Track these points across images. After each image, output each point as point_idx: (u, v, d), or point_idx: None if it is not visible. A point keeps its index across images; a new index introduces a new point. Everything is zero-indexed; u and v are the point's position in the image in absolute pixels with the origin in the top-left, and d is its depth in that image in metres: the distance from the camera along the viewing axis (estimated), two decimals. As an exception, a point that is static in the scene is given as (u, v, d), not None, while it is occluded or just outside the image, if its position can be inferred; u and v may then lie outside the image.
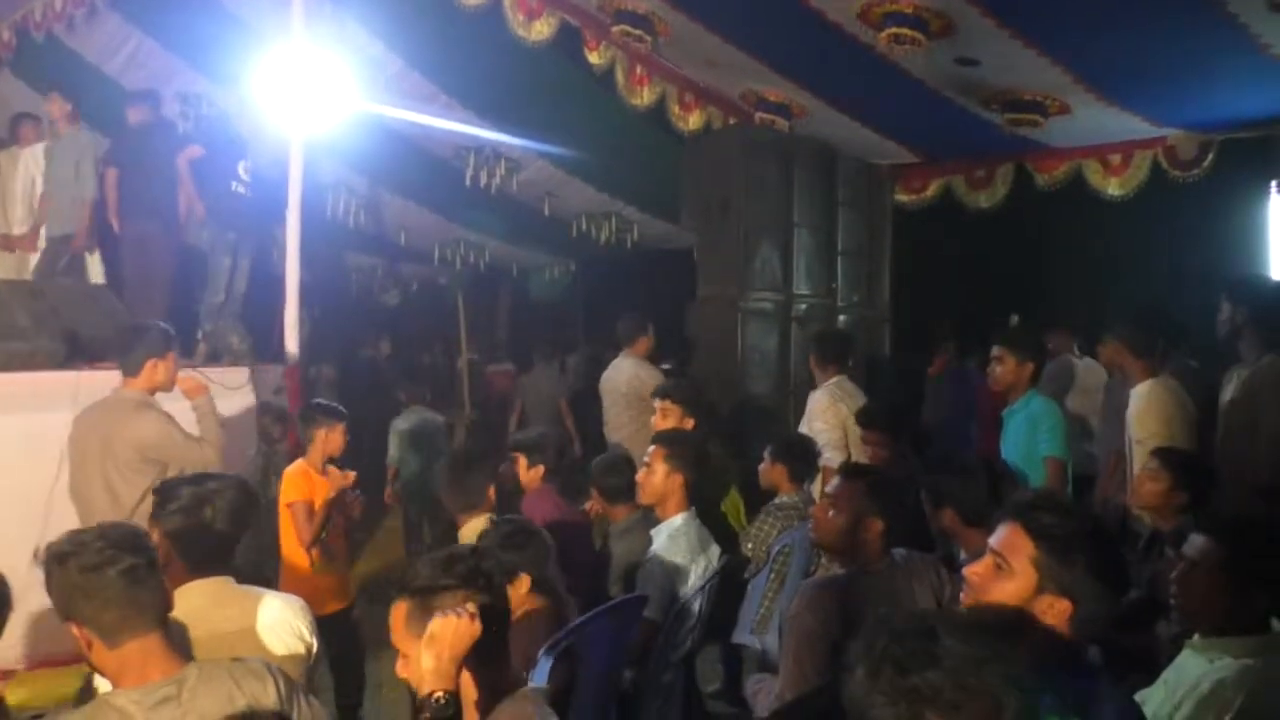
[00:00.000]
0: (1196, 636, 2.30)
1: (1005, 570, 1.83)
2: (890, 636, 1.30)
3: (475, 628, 1.80)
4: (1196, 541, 2.32)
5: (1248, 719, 2.10)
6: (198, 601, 2.34)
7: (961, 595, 1.92)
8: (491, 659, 1.89)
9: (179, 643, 2.02)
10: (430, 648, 1.78)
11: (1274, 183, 7.09)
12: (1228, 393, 4.12)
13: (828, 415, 4.93)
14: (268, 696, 1.97)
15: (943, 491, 3.23)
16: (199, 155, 6.20)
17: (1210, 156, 6.52)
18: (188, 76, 7.08)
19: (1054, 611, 1.79)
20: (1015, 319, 6.79)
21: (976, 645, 1.27)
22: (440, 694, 1.76)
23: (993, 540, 1.90)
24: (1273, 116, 6.13)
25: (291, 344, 5.50)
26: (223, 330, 6.00)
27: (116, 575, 1.84)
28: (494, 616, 1.89)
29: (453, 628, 1.78)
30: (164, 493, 2.57)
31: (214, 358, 5.82)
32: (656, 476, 3.52)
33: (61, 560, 1.87)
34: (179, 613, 2.05)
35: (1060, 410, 4.38)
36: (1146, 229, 7.50)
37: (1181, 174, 6.62)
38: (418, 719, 1.75)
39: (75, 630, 1.88)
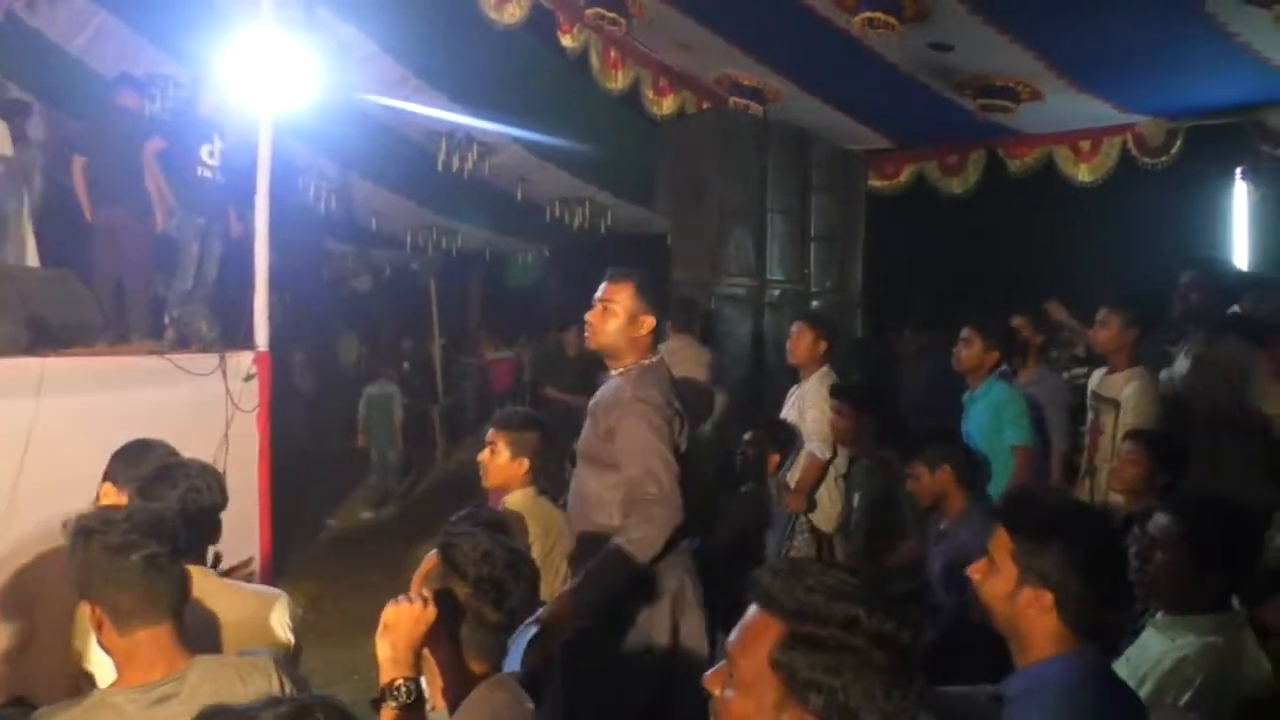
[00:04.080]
0: (1159, 614, 2.34)
1: (993, 567, 1.88)
2: (816, 592, 1.28)
3: (430, 613, 1.77)
4: (1159, 520, 2.36)
5: (1209, 695, 2.13)
6: None
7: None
8: (459, 644, 1.87)
9: (193, 631, 1.99)
10: (386, 636, 1.75)
11: (1239, 170, 7.19)
12: (1179, 368, 4.18)
13: (825, 406, 4.76)
14: (274, 694, 1.92)
15: (944, 450, 3.62)
16: (161, 147, 6.10)
17: (1178, 143, 6.60)
18: (154, 58, 6.96)
19: (1038, 604, 1.81)
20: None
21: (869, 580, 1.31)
22: (401, 682, 1.73)
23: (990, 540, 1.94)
24: (1239, 104, 6.21)
25: (262, 330, 5.45)
26: (191, 316, 5.93)
27: (138, 560, 1.82)
28: (503, 629, 1.88)
29: (407, 614, 1.76)
30: (168, 477, 2.51)
31: (182, 343, 5.75)
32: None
33: (86, 537, 1.85)
34: None
35: (1022, 397, 4.41)
36: (1116, 215, 7.57)
37: (1150, 160, 6.69)
38: (379, 709, 1.71)
39: (89, 608, 1.85)
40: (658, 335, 3.09)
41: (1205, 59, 5.33)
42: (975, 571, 1.92)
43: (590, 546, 2.95)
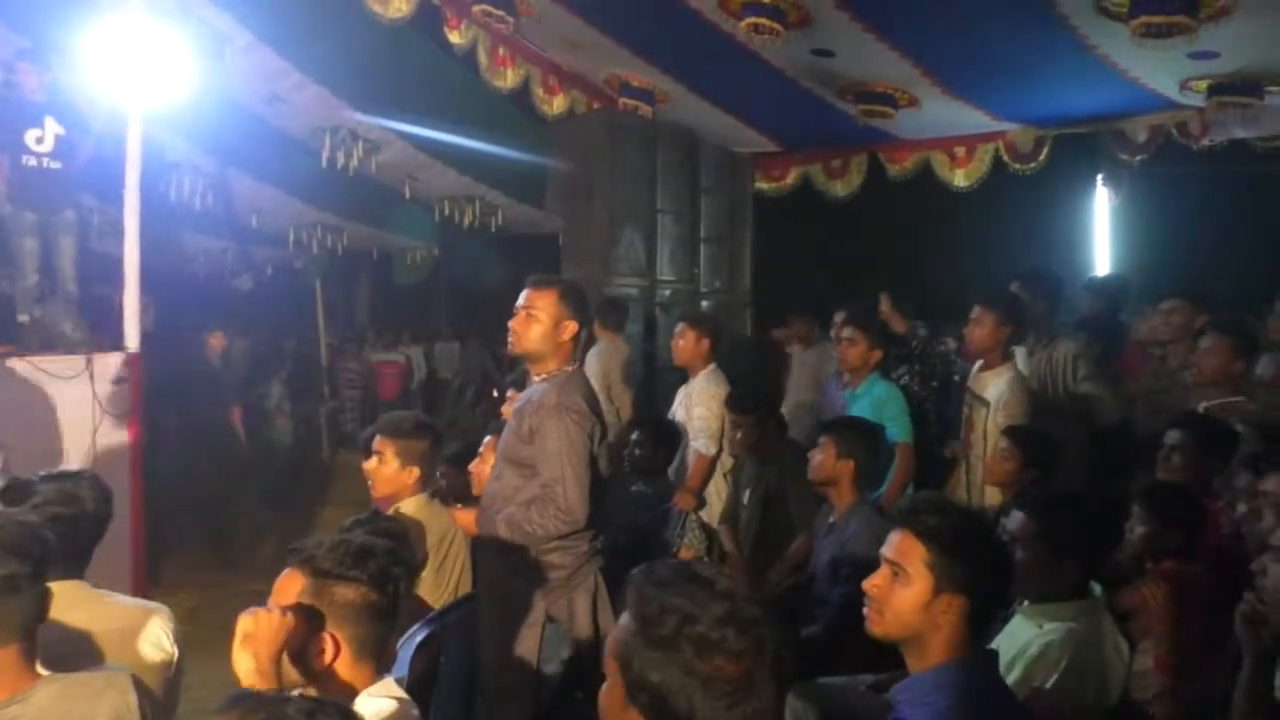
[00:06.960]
0: (1026, 603, 2.47)
1: (902, 577, 1.85)
2: (664, 589, 1.31)
3: (289, 622, 1.73)
4: (1016, 518, 2.49)
5: (1072, 676, 2.27)
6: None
7: (865, 610, 1.92)
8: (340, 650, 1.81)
9: (65, 646, 1.90)
10: (246, 647, 1.71)
11: (1100, 176, 7.63)
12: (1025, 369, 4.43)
13: (712, 404, 4.83)
14: (130, 712, 1.85)
15: (859, 446, 3.62)
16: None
17: (1045, 150, 6.94)
18: (6, 41, 6.54)
19: (952, 610, 1.82)
20: (884, 297, 6.87)
21: (741, 586, 1.33)
22: None
23: (885, 550, 1.90)
24: (1101, 114, 6.57)
25: (132, 331, 5.21)
26: (55, 317, 5.61)
27: None
28: (379, 612, 1.83)
29: (266, 623, 1.71)
30: (20, 490, 2.34)
31: (47, 346, 5.44)
32: (488, 466, 3.48)
33: None
34: None
35: (902, 395, 4.54)
36: (990, 218, 7.90)
37: (1021, 166, 7.03)
38: None
39: None
40: (579, 341, 3.14)
41: (1070, 71, 5.62)
42: (876, 585, 1.88)
43: (495, 546, 3.00)
